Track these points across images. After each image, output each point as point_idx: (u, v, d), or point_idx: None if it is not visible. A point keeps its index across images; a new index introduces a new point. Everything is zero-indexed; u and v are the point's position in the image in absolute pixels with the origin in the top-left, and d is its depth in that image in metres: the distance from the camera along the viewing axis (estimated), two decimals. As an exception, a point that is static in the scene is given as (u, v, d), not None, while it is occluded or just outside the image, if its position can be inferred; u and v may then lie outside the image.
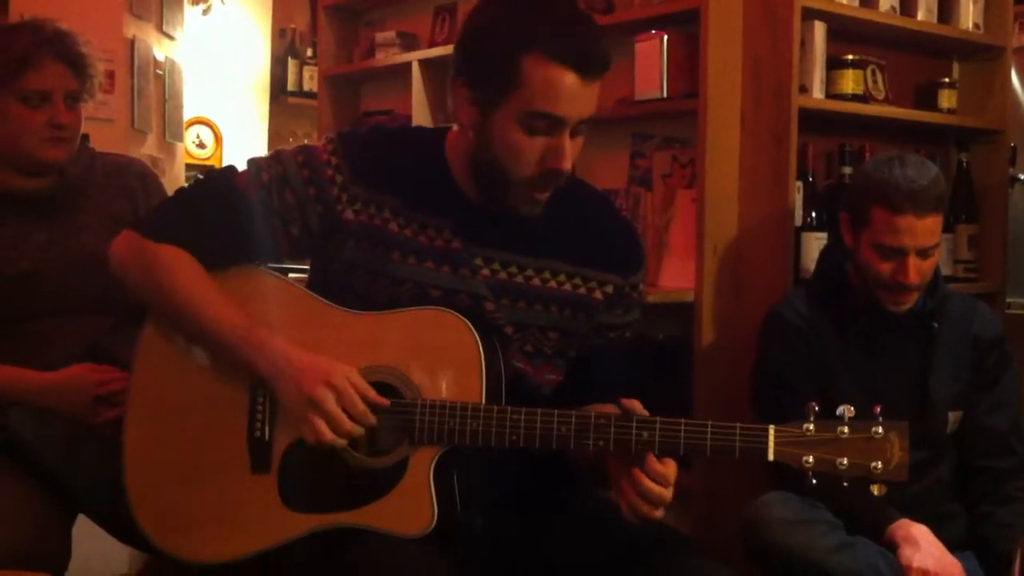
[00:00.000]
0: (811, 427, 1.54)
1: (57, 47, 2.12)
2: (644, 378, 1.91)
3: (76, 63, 2.15)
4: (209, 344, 1.71)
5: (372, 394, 1.62)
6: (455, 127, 1.77)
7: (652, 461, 1.56)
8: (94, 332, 2.11)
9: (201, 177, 1.84)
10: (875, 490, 1.54)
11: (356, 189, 1.73)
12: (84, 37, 2.20)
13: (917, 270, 2.11)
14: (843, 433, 1.53)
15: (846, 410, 1.54)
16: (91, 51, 2.19)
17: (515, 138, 1.63)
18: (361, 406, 1.60)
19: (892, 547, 2.04)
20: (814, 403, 1.55)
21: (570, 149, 1.65)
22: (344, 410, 1.60)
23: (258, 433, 1.70)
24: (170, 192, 1.95)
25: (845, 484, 1.54)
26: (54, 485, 1.93)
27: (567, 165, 1.65)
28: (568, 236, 1.78)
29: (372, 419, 1.61)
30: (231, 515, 1.70)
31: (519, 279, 1.75)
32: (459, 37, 1.74)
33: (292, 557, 1.67)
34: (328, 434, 1.60)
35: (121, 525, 1.88)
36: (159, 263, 1.72)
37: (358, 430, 1.61)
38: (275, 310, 1.74)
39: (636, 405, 1.59)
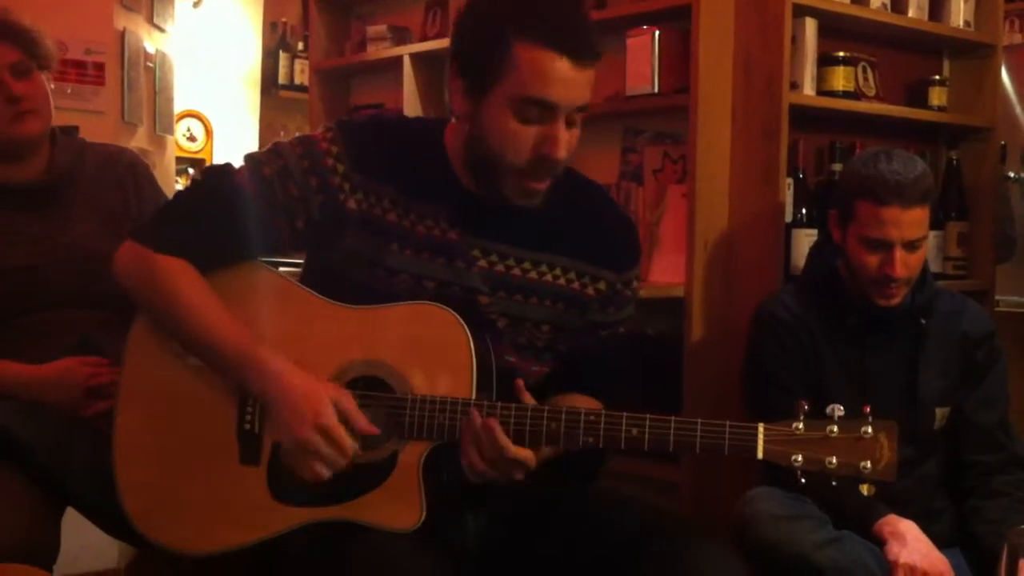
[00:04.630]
0: (800, 426, 1.55)
1: None
2: (634, 373, 1.92)
3: (10, 35, 2.11)
4: (208, 360, 1.71)
5: (362, 422, 1.63)
6: (455, 119, 1.77)
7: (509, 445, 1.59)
8: (86, 325, 2.10)
9: (199, 178, 1.82)
10: (864, 490, 1.55)
11: (357, 178, 1.72)
12: (12, 7, 2.16)
13: (904, 263, 2.11)
14: (832, 432, 1.54)
15: (835, 409, 1.55)
16: (26, 19, 2.14)
17: (508, 125, 1.63)
18: (348, 444, 1.62)
19: (880, 542, 2.05)
20: (804, 402, 1.56)
21: (565, 138, 1.64)
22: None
23: (248, 426, 1.70)
24: (163, 185, 1.94)
25: (834, 484, 1.55)
26: (44, 479, 1.92)
27: (561, 153, 1.64)
28: (566, 230, 1.78)
29: (358, 451, 1.63)
30: (220, 507, 1.70)
31: (516, 272, 1.75)
32: (452, 27, 1.74)
33: (285, 551, 1.67)
34: (325, 474, 1.62)
35: (110, 519, 1.88)
36: (161, 276, 1.71)
37: (346, 461, 1.63)
38: (266, 303, 1.74)
39: (519, 384, 1.64)
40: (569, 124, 1.65)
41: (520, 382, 1.65)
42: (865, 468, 1.53)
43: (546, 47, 1.59)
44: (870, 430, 1.53)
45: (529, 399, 1.64)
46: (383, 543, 1.59)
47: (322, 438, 1.60)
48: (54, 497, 1.94)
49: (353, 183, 1.72)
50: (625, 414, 1.59)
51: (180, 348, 1.74)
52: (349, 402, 1.63)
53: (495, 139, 1.65)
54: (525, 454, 1.60)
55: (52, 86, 2.20)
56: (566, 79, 1.61)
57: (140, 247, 1.74)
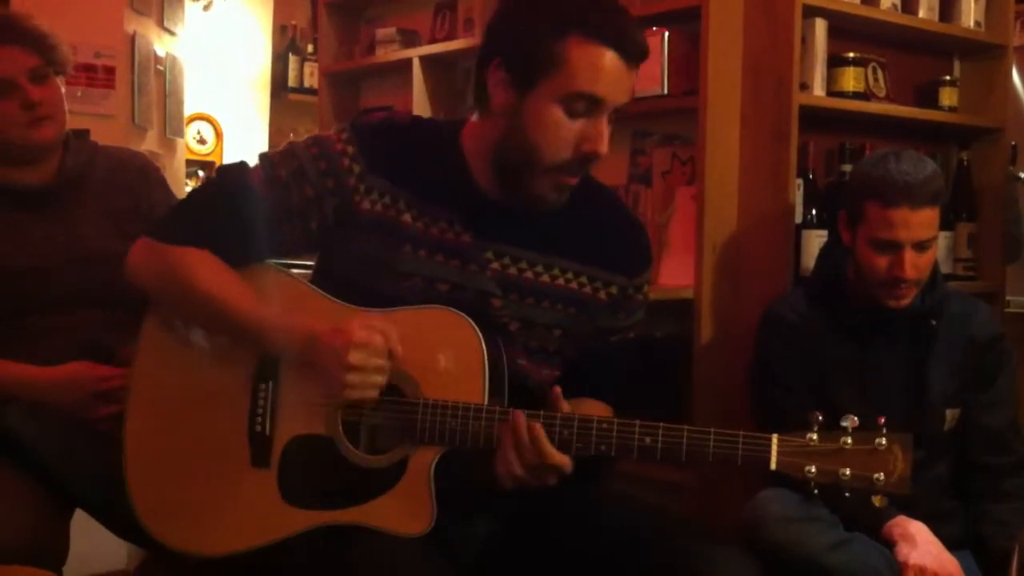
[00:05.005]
0: (814, 437, 1.54)
1: (3, 32, 2.10)
2: (643, 375, 1.91)
3: (30, 40, 2.11)
4: (241, 337, 1.71)
5: (393, 338, 1.61)
6: (473, 119, 1.77)
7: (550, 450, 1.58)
8: (92, 327, 2.10)
9: (213, 176, 1.82)
10: (877, 501, 1.55)
11: (373, 180, 1.72)
12: (31, 13, 2.17)
13: (913, 265, 2.11)
14: (846, 444, 1.53)
15: (850, 420, 1.54)
16: (44, 24, 2.15)
17: (555, 119, 1.63)
18: (385, 341, 1.61)
19: (889, 544, 2.05)
20: (818, 413, 1.56)
21: (607, 134, 1.65)
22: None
23: (259, 427, 1.70)
24: (174, 187, 1.94)
25: (847, 495, 1.55)
26: (47, 479, 1.92)
27: (604, 149, 1.65)
28: (578, 234, 1.78)
29: (399, 351, 1.62)
30: (230, 508, 1.70)
31: (528, 275, 1.75)
32: (492, 20, 1.73)
33: (290, 555, 1.66)
34: (382, 382, 1.61)
35: (119, 520, 1.88)
36: (180, 265, 1.71)
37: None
38: (281, 305, 1.73)
39: (557, 392, 1.64)
40: (608, 122, 1.66)
41: (557, 389, 1.65)
42: (879, 480, 1.52)
43: (600, 43, 1.61)
44: (884, 442, 1.53)
45: (567, 408, 1.63)
46: (386, 547, 1.59)
47: (366, 352, 1.59)
48: (60, 498, 1.95)
49: (368, 184, 1.72)
50: (638, 423, 1.58)
51: (191, 349, 1.74)
52: (374, 317, 1.63)
53: (538, 132, 1.64)
54: (563, 459, 1.60)
55: (64, 90, 2.21)
56: (616, 75, 1.63)
57: (154, 242, 1.75)
